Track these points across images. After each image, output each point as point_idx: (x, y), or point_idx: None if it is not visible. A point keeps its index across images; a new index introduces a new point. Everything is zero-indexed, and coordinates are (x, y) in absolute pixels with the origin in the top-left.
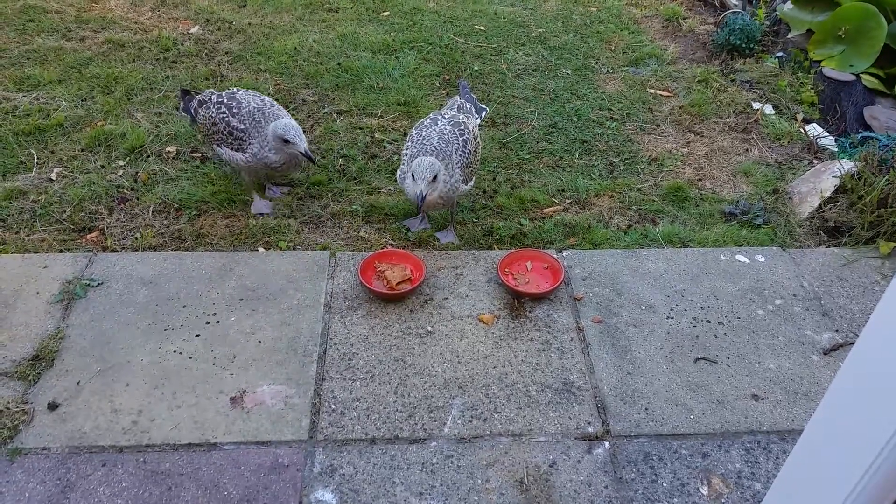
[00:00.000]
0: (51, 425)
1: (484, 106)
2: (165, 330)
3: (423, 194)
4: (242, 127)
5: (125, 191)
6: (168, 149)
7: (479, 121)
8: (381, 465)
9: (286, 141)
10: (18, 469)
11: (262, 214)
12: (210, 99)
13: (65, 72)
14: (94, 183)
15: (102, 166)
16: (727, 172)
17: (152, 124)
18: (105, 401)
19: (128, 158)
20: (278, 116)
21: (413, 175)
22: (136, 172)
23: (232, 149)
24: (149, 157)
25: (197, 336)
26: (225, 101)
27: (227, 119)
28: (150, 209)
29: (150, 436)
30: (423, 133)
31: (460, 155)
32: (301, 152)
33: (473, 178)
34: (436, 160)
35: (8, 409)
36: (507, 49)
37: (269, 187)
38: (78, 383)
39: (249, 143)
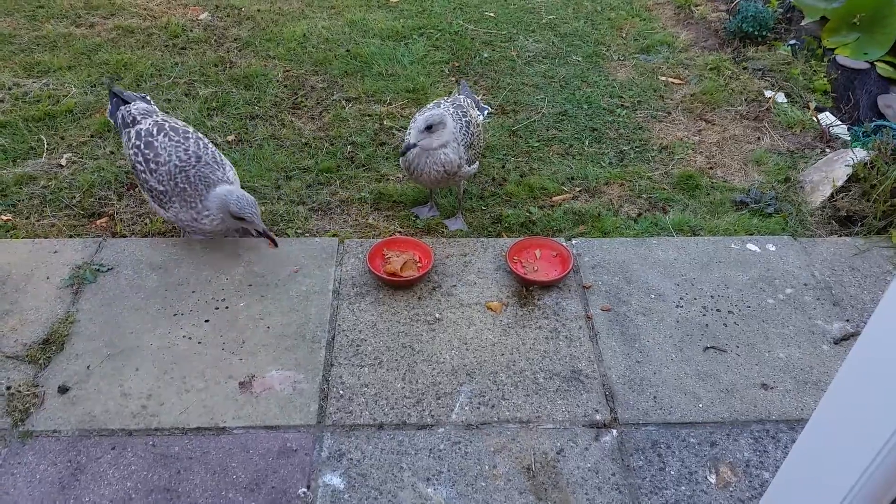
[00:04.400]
0: (61, 408)
1: (486, 106)
2: (175, 315)
3: (410, 143)
4: (161, 189)
5: (134, 177)
6: None
7: (481, 118)
8: (388, 450)
9: (242, 219)
10: (30, 451)
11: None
12: (131, 129)
13: (74, 58)
14: (103, 169)
15: (112, 152)
16: (739, 161)
17: (162, 110)
18: (115, 385)
19: None
20: (210, 178)
21: (409, 131)
22: None
23: (152, 199)
24: None
25: (206, 321)
26: (142, 147)
27: (143, 175)
28: None
29: (160, 420)
30: (427, 114)
31: (463, 134)
32: (260, 231)
33: (477, 163)
34: (439, 111)
35: (19, 392)
36: (517, 36)
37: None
38: (88, 367)
39: (171, 206)
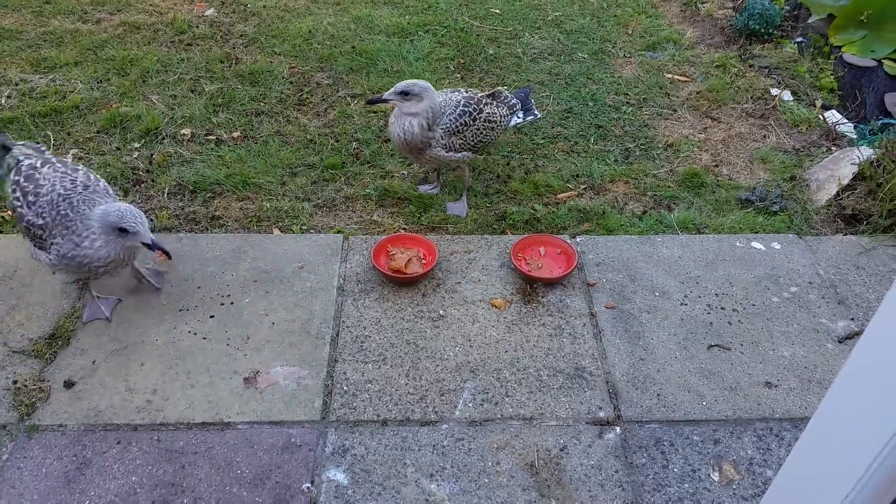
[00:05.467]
0: (67, 403)
1: (536, 113)
2: (180, 310)
3: (379, 97)
4: (41, 222)
5: (140, 172)
6: (183, 131)
7: (515, 119)
8: (392, 446)
9: (123, 230)
10: (36, 445)
11: (100, 319)
12: (11, 168)
13: (81, 54)
14: (109, 164)
15: (118, 148)
16: (744, 159)
17: (167, 106)
18: (120, 380)
19: (143, 140)
20: (97, 201)
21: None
22: (152, 154)
23: (34, 245)
24: (164, 139)
25: (211, 317)
26: (21, 181)
27: (21, 209)
28: (166, 191)
29: (165, 414)
30: (409, 81)
31: (450, 119)
32: (147, 244)
33: (466, 153)
34: (424, 84)
35: (26, 386)
36: (522, 33)
37: (93, 301)
38: (93, 362)
39: (52, 242)
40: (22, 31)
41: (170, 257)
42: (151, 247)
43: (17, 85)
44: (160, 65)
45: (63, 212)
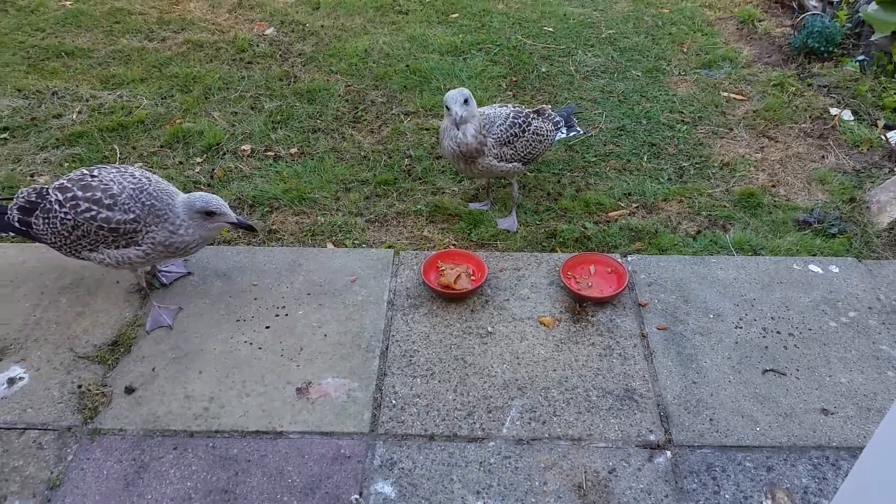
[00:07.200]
0: (127, 408)
1: (579, 129)
2: (237, 321)
3: (459, 115)
4: (132, 217)
5: (202, 186)
6: (243, 147)
7: (559, 134)
8: (439, 461)
9: (211, 214)
10: (97, 448)
11: (162, 327)
12: (49, 199)
13: (147, 71)
14: (172, 178)
15: (180, 162)
16: (802, 179)
17: (228, 123)
18: (178, 387)
19: (205, 155)
20: (168, 190)
21: (446, 107)
22: (213, 169)
23: (116, 247)
24: (224, 154)
25: (267, 328)
26: (80, 194)
27: (101, 216)
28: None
29: (220, 422)
30: (456, 89)
31: (501, 129)
32: (234, 223)
33: (517, 165)
34: (464, 89)
35: (89, 391)
36: (575, 50)
37: (161, 270)
38: (153, 369)
39: (148, 233)
40: (93, 50)
41: (256, 233)
42: (238, 224)
43: (87, 101)
44: (222, 82)
45: (147, 203)
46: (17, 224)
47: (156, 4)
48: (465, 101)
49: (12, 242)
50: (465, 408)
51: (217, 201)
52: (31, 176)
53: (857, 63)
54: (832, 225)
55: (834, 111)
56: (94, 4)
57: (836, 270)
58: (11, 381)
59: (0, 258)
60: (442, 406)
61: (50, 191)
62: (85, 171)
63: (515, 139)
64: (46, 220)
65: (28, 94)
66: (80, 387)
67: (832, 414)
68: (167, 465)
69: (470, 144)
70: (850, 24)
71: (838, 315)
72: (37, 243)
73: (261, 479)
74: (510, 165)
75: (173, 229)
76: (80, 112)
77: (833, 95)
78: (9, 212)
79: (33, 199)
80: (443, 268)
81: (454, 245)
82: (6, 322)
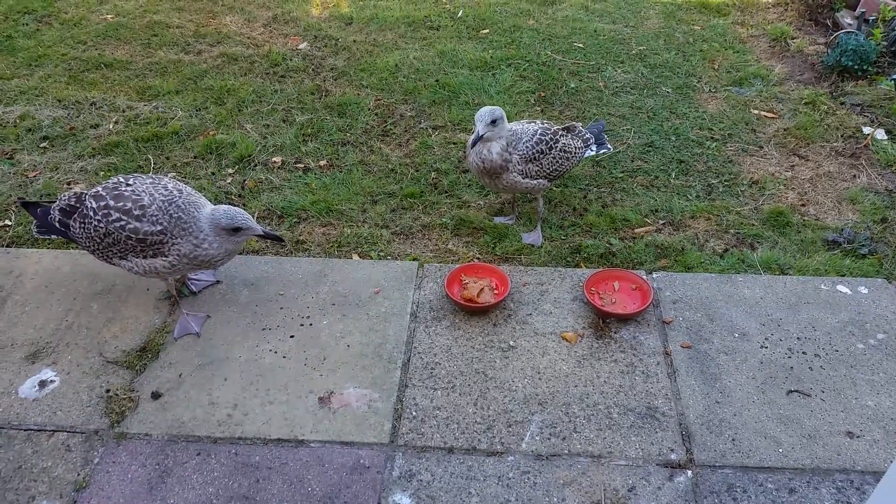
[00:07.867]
0: (153, 413)
1: (609, 146)
2: (263, 329)
3: (480, 134)
4: (159, 229)
5: (233, 197)
6: (274, 159)
7: (589, 151)
8: (457, 474)
9: (237, 229)
10: (123, 451)
11: (190, 334)
12: (86, 205)
13: (182, 83)
14: (204, 189)
15: (213, 173)
16: (832, 199)
17: (260, 135)
18: (204, 393)
19: (236, 167)
20: (197, 202)
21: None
22: (244, 180)
23: (144, 257)
24: (256, 166)
25: (291, 337)
26: (112, 203)
27: (129, 226)
28: (255, 215)
29: (243, 429)
30: (488, 108)
31: (528, 146)
32: (260, 234)
33: (537, 182)
34: (498, 108)
35: (117, 395)
36: (605, 66)
37: (191, 278)
38: (180, 375)
39: (174, 245)
40: (131, 62)
41: (283, 243)
42: (265, 236)
43: (123, 112)
44: (255, 95)
45: (175, 215)
46: (57, 224)
47: (193, 18)
48: (493, 122)
49: (48, 248)
50: (485, 421)
51: (243, 216)
52: (68, 184)
53: (893, 81)
54: (862, 245)
55: (867, 130)
56: (134, 18)
57: (865, 291)
58: (43, 384)
59: (36, 264)
60: (462, 419)
61: (86, 197)
62: (121, 179)
63: (541, 156)
64: (83, 225)
65: (68, 105)
66: (108, 391)
67: (858, 437)
68: (190, 471)
69: (494, 161)
70: (885, 42)
71: (866, 337)
72: (71, 250)
73: (281, 486)
74: (535, 182)
75: (197, 243)
76: (116, 122)
77: (866, 114)
78: (52, 212)
79: (73, 202)
80: (466, 281)
81: (478, 258)
82: (40, 326)
